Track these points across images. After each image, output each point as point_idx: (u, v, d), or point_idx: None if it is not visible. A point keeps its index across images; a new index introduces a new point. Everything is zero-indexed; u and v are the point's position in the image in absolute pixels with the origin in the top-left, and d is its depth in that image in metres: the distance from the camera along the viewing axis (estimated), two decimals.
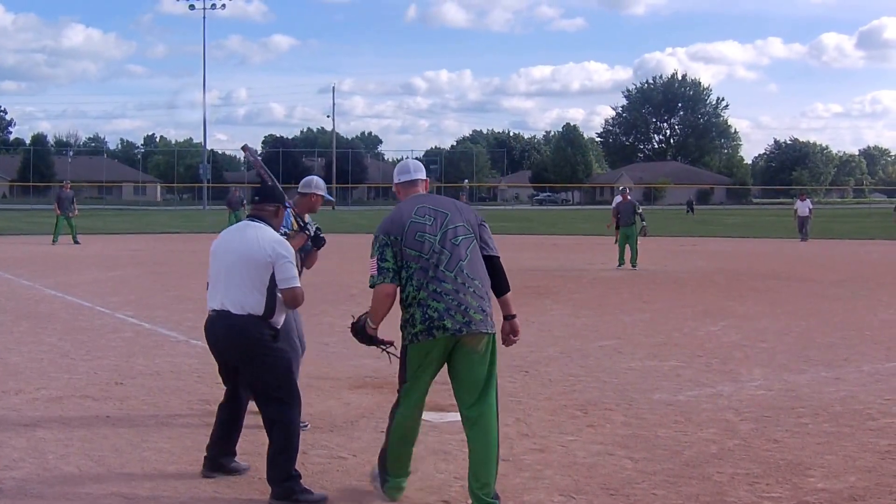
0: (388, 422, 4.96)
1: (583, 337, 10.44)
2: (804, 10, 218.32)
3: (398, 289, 4.74)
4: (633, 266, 19.04)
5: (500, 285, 4.89)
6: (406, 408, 4.85)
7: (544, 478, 5.33)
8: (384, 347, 4.96)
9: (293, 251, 5.11)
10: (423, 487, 5.14)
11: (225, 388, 5.36)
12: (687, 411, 6.91)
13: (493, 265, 4.88)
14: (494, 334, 4.77)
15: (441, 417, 6.56)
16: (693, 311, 12.71)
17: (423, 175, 5.05)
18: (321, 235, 6.39)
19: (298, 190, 6.52)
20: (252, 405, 5.39)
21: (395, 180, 5.06)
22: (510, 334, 4.94)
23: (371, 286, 4.76)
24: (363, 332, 4.94)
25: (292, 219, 6.29)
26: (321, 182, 6.60)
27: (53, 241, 27.43)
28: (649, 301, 13.97)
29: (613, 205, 23.64)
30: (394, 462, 4.92)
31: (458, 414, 4.89)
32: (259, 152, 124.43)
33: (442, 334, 4.64)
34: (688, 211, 63.98)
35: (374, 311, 4.81)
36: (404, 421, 4.86)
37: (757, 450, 5.90)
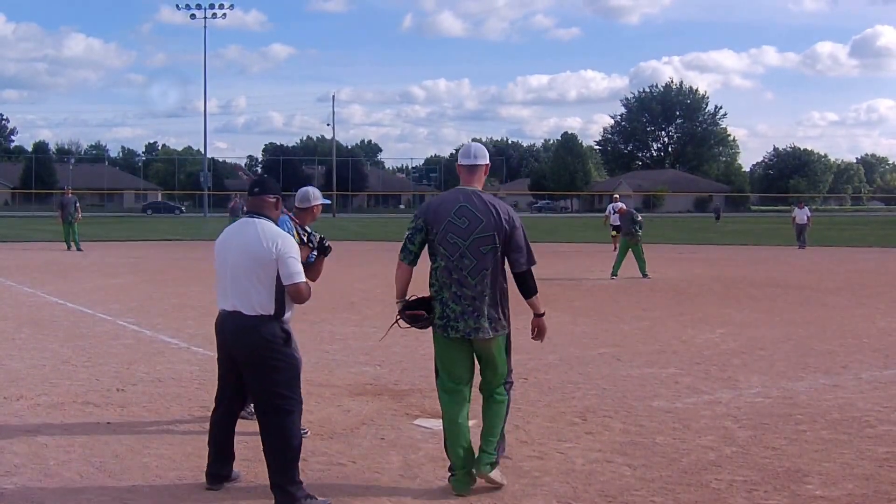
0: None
1: (581, 344, 10.47)
2: (798, 19, 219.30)
3: (413, 269, 5.21)
4: (644, 275, 18.98)
5: (527, 290, 5.23)
6: (444, 400, 5.28)
7: (543, 485, 5.36)
8: (407, 320, 5.24)
9: (297, 245, 5.06)
10: (421, 494, 5.16)
11: (217, 399, 5.31)
12: (685, 418, 6.93)
13: (521, 276, 5.20)
14: (505, 334, 5.21)
15: (440, 424, 6.58)
16: (691, 319, 12.73)
17: (483, 161, 5.30)
18: (326, 244, 6.30)
19: (297, 205, 6.46)
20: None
21: (458, 161, 5.35)
22: (537, 330, 5.37)
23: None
24: (401, 311, 5.22)
25: (294, 231, 6.25)
26: (317, 191, 6.61)
27: (68, 247, 27.54)
28: (648, 309, 13.99)
29: (612, 216, 23.67)
30: (450, 456, 5.25)
31: None
32: (260, 160, 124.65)
33: (454, 334, 5.11)
34: (716, 218, 64.01)
35: (395, 282, 5.26)
36: (446, 417, 5.28)
37: (755, 457, 5.93)
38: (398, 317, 5.26)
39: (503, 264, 5.17)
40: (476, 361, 5.30)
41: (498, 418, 5.29)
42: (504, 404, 5.33)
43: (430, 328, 5.24)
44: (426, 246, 5.19)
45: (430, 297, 5.20)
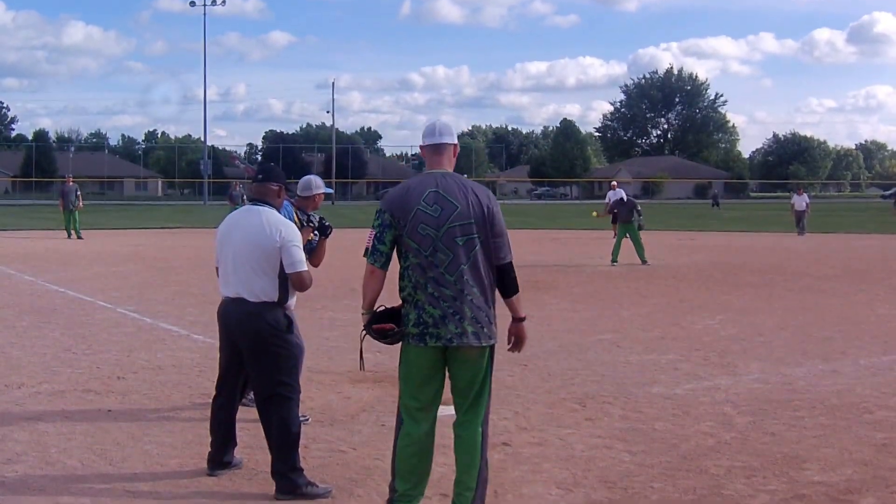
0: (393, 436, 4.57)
1: (581, 331, 10.49)
2: (795, 5, 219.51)
3: (387, 273, 4.43)
4: (643, 262, 18.99)
5: (506, 288, 4.50)
6: (407, 424, 4.45)
7: (542, 471, 5.38)
8: (374, 335, 4.49)
9: (299, 234, 5.15)
10: None
11: (218, 386, 5.33)
12: (684, 405, 6.95)
13: (503, 269, 4.48)
14: (492, 345, 4.43)
15: (441, 410, 6.59)
16: (691, 305, 12.75)
17: (450, 139, 4.52)
18: (326, 224, 6.44)
19: (299, 193, 6.55)
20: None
21: (421, 142, 4.55)
22: (515, 339, 4.56)
23: (364, 255, 4.44)
24: (367, 325, 4.51)
25: (295, 215, 6.33)
26: (319, 179, 6.75)
27: (68, 235, 27.59)
28: (647, 295, 14.01)
29: (610, 200, 23.64)
30: (402, 480, 4.46)
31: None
32: (259, 148, 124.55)
33: (434, 342, 4.32)
34: (713, 205, 64.03)
35: (363, 291, 4.50)
36: (407, 443, 4.45)
37: (754, 443, 5.95)
38: (364, 333, 4.55)
39: (487, 258, 4.39)
40: (453, 385, 4.48)
41: (474, 461, 4.42)
42: (480, 442, 4.45)
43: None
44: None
45: (401, 305, 4.43)
